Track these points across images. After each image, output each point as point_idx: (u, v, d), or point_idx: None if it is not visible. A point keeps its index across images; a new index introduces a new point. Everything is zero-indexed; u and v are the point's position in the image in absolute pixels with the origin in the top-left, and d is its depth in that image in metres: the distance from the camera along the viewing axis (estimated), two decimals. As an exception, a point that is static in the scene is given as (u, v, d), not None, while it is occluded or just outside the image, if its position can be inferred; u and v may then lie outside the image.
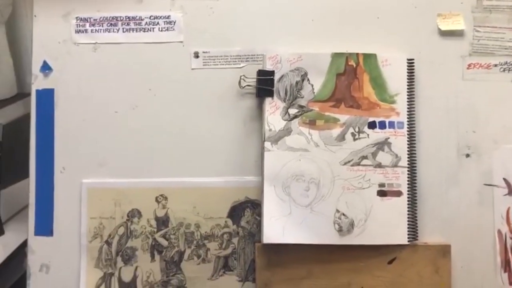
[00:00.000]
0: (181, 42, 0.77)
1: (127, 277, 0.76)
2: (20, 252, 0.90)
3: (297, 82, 0.75)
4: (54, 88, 0.77)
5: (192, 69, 0.77)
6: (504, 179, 0.78)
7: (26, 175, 0.93)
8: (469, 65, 0.78)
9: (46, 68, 0.77)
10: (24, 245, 0.91)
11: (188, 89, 0.77)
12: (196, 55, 0.77)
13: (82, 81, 0.77)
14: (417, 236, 0.75)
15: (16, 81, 1.03)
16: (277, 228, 0.73)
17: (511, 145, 0.77)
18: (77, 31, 0.77)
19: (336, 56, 0.75)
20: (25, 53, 1.04)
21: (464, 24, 0.77)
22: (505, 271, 0.77)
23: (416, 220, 0.75)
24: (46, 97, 0.77)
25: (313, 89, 0.75)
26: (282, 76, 0.75)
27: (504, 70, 0.78)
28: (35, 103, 0.77)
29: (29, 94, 1.04)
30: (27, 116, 0.91)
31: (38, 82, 0.77)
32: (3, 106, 0.97)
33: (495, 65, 0.78)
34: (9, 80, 1.01)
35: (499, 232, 0.77)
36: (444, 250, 0.75)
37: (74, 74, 0.77)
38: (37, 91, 0.77)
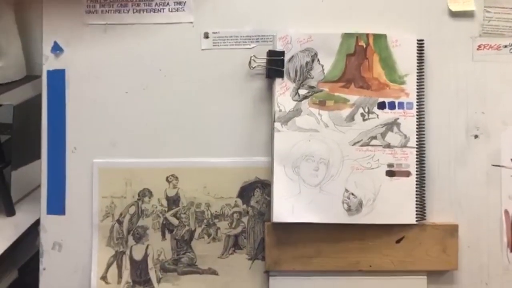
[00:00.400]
0: (191, 22, 0.77)
1: (138, 255, 0.78)
2: (32, 232, 0.92)
3: (307, 63, 0.75)
4: (65, 68, 0.77)
5: (202, 49, 0.77)
6: (512, 160, 0.78)
7: (36, 156, 0.94)
8: (479, 46, 0.78)
9: (57, 49, 0.77)
10: (35, 225, 0.92)
11: (198, 69, 0.77)
12: (206, 36, 0.77)
13: (93, 62, 0.77)
14: (425, 216, 0.76)
15: (25, 63, 1.04)
16: (287, 207, 0.74)
17: (519, 126, 0.78)
18: (88, 12, 0.77)
19: (346, 36, 0.75)
20: (34, 35, 1.04)
21: (475, 5, 0.77)
22: (511, 251, 0.78)
23: (424, 200, 0.76)
24: (57, 78, 0.77)
25: (323, 69, 0.75)
26: (292, 57, 0.75)
27: (513, 51, 0.78)
28: (46, 84, 0.78)
29: (38, 76, 1.05)
30: (36, 98, 0.92)
31: (49, 63, 0.77)
32: (13, 88, 0.98)
33: (505, 46, 0.78)
34: (18, 62, 1.02)
35: (506, 212, 0.78)
36: (451, 230, 0.76)
37: (85, 55, 0.77)
38: (48, 72, 0.77)
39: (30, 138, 0.92)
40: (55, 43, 0.77)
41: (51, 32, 0.77)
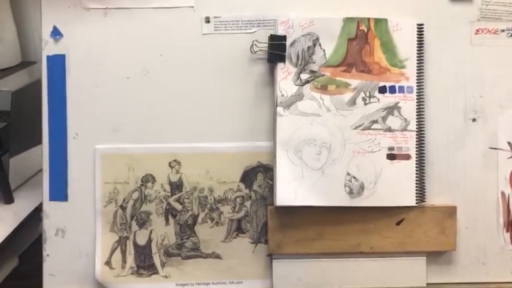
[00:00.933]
0: (192, 7, 0.77)
1: (142, 240, 0.78)
2: (32, 219, 0.92)
3: (308, 47, 0.75)
4: (65, 54, 0.77)
5: (204, 34, 0.77)
6: (509, 142, 0.80)
7: (34, 143, 0.94)
8: (477, 31, 0.79)
9: (56, 33, 0.76)
10: (35, 212, 0.92)
11: (199, 54, 0.77)
12: (207, 20, 0.77)
13: (93, 47, 0.77)
14: (424, 198, 0.77)
15: (20, 49, 1.02)
16: (290, 191, 0.74)
17: (516, 110, 0.79)
18: (87, -4, 0.77)
19: (347, 21, 0.75)
20: (29, 21, 1.03)
21: (473, -11, 0.78)
22: (507, 231, 0.80)
23: (424, 182, 0.77)
24: (58, 63, 0.77)
25: (324, 54, 0.75)
26: (294, 41, 0.75)
27: (511, 36, 0.79)
28: (46, 69, 0.77)
29: (33, 62, 1.04)
30: (33, 84, 0.91)
31: (48, 48, 0.76)
32: (9, 74, 0.96)
33: (503, 30, 0.79)
34: (13, 48, 1.00)
35: (503, 193, 0.80)
36: (450, 212, 0.78)
37: (85, 40, 0.77)
38: (48, 57, 0.77)
39: (27, 124, 0.91)
40: (55, 28, 0.76)
41: (50, 17, 0.76)
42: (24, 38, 1.03)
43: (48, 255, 0.78)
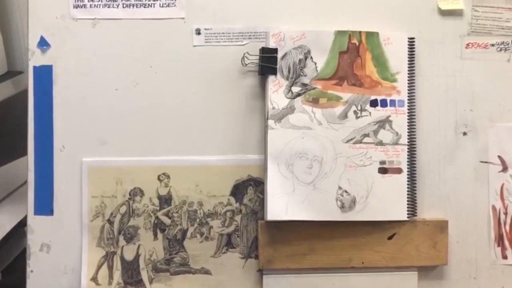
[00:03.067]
0: (183, 18, 0.76)
1: (129, 255, 0.76)
2: (16, 232, 0.90)
3: (300, 60, 0.75)
4: (52, 64, 0.75)
5: (194, 46, 0.76)
6: (499, 156, 0.80)
7: (18, 154, 0.92)
8: (468, 45, 0.79)
9: (43, 44, 0.75)
10: (19, 225, 0.90)
11: (189, 66, 0.76)
12: (198, 32, 0.76)
13: (81, 58, 0.75)
14: (416, 212, 0.77)
15: (6, 58, 1.00)
16: (281, 205, 0.73)
17: (506, 123, 0.79)
18: (76, 6, 0.75)
19: (339, 34, 0.75)
20: (15, 30, 1.01)
21: (463, 4, 0.78)
22: (498, 245, 0.80)
23: (415, 196, 0.77)
24: (44, 74, 0.75)
25: (316, 67, 0.75)
26: (285, 54, 0.75)
27: (500, 50, 0.79)
28: (32, 80, 0.75)
29: (20, 72, 1.02)
30: (19, 94, 0.90)
31: (35, 59, 0.75)
32: (-6, 84, 0.95)
33: (492, 45, 0.79)
34: (-1, 57, 0.99)
35: (493, 207, 0.80)
36: (441, 226, 0.77)
37: (72, 51, 0.75)
38: (35, 67, 0.75)
39: (12, 135, 0.89)
40: (42, 38, 0.75)
41: (38, 27, 0.75)
42: (10, 47, 1.01)
43: (32, 271, 0.76)
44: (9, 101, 0.89)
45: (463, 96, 0.79)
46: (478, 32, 0.79)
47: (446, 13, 0.78)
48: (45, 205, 0.76)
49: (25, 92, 0.76)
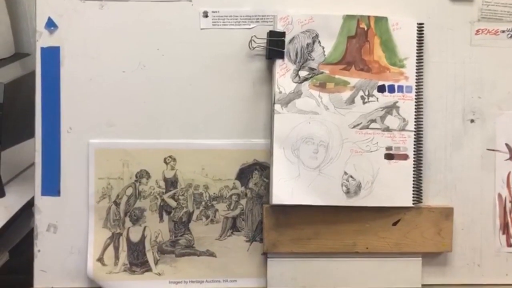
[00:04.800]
0: (190, 1, 0.75)
1: (135, 237, 0.77)
2: (23, 213, 0.90)
3: (308, 44, 0.74)
4: (60, 46, 0.75)
5: (201, 29, 0.76)
6: (506, 144, 0.79)
7: (25, 137, 0.92)
8: (477, 31, 0.78)
9: (51, 25, 0.75)
10: (26, 206, 0.91)
11: (196, 49, 0.76)
12: (205, 15, 0.76)
13: (89, 39, 0.75)
14: (421, 199, 0.77)
15: (14, 40, 1.01)
16: (286, 189, 0.74)
17: (514, 111, 0.79)
18: (83, -13, 0.75)
19: (347, 18, 0.74)
20: (23, 12, 1.01)
21: (474, -11, 0.77)
22: (503, 233, 0.80)
23: (421, 183, 0.77)
24: (52, 55, 0.75)
25: (324, 51, 0.74)
26: (293, 38, 0.74)
27: (511, 37, 0.78)
28: (40, 61, 0.75)
29: (27, 54, 1.02)
30: (26, 76, 0.90)
31: (43, 40, 0.75)
32: (2, 65, 0.95)
33: (503, 31, 0.78)
34: (6, 39, 0.99)
35: (499, 195, 0.79)
36: (446, 213, 0.77)
37: (80, 32, 0.75)
38: (42, 48, 0.75)
39: (20, 117, 0.90)
40: (49, 19, 0.75)
41: (45, 8, 0.74)
42: (17, 29, 1.02)
43: (39, 251, 0.76)
44: (16, 83, 0.89)
45: (471, 83, 0.78)
46: (488, 18, 0.78)
47: (456, -1, 0.77)
48: (52, 186, 0.76)
49: (32, 74, 0.77)
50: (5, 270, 0.88)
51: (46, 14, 0.75)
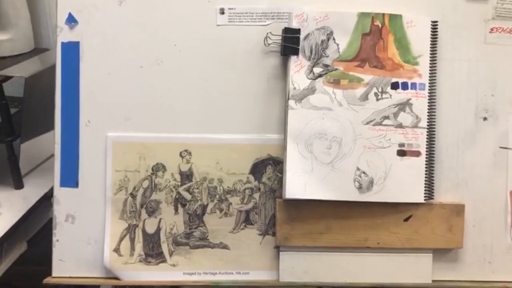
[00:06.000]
0: (207, -2, 0.77)
1: (151, 228, 0.78)
2: (41, 205, 0.92)
3: (322, 41, 0.75)
4: (80, 41, 0.77)
5: (218, 25, 0.77)
6: (519, 142, 0.80)
7: (45, 129, 0.95)
8: (492, 29, 0.78)
9: (71, 20, 0.77)
10: (44, 198, 0.93)
11: (213, 45, 0.77)
12: (222, 12, 0.77)
13: (108, 35, 0.77)
14: (433, 195, 0.77)
15: (34, 36, 1.03)
16: (299, 184, 0.75)
17: (528, 110, 0.79)
18: (103, -16, 0.77)
19: (362, 15, 0.75)
20: (42, 8, 1.03)
21: (489, -13, 0.77)
22: (514, 231, 0.80)
23: (433, 179, 0.77)
24: (72, 50, 0.77)
25: (338, 48, 0.75)
26: (308, 35, 0.75)
27: (525, 35, 0.79)
28: (60, 56, 0.77)
29: (46, 49, 1.04)
30: (46, 71, 0.92)
31: (63, 35, 0.77)
32: (22, 60, 0.97)
33: (517, 30, 0.79)
34: (27, 34, 1.01)
35: (511, 193, 0.80)
36: (458, 209, 0.78)
37: (99, 27, 0.77)
38: (63, 43, 0.77)
39: (39, 111, 0.92)
40: (70, 15, 0.77)
41: (66, 3, 0.76)
42: (37, 25, 1.04)
43: (57, 241, 0.78)
44: (36, 77, 0.91)
45: (485, 81, 0.78)
46: (503, 16, 0.78)
47: (471, -3, 0.78)
48: (70, 178, 0.78)
49: (51, 69, 0.79)
50: (23, 260, 0.91)
51: (66, 10, 0.77)
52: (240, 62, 0.77)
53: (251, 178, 0.78)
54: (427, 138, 0.77)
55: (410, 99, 0.76)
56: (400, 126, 0.76)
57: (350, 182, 0.75)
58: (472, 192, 0.79)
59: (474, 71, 0.78)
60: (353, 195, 0.75)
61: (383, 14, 0.75)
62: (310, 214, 0.77)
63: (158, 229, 0.78)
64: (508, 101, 0.79)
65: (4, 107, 0.90)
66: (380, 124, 0.76)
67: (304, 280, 0.78)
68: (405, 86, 0.76)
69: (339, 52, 0.75)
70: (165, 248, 0.78)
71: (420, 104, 0.76)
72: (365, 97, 0.76)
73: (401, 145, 0.76)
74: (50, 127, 0.79)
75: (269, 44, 0.76)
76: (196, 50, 0.77)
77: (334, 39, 0.75)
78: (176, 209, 0.78)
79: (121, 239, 0.78)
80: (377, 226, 0.77)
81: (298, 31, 0.75)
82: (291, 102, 0.75)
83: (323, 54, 0.75)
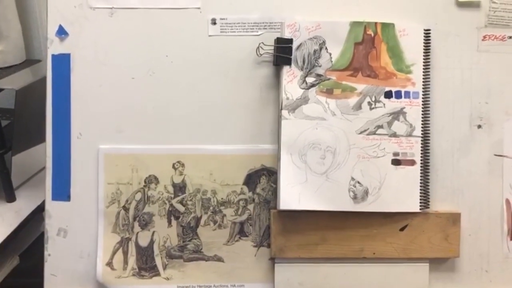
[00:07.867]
0: (199, 8, 0.76)
1: (144, 241, 0.78)
2: (33, 218, 0.92)
3: (315, 51, 0.75)
4: (70, 53, 0.76)
5: (209, 36, 0.77)
6: (514, 150, 0.79)
7: (36, 141, 0.94)
8: (484, 37, 0.78)
9: (62, 32, 0.76)
10: (36, 211, 0.92)
11: (205, 56, 0.77)
12: (214, 22, 0.77)
13: (99, 46, 0.76)
14: (428, 204, 0.77)
15: (25, 47, 1.02)
16: (293, 195, 0.74)
17: (522, 117, 0.79)
18: (93, -5, 0.76)
19: (354, 25, 0.75)
20: (34, 19, 1.02)
21: (481, -5, 0.77)
22: (511, 239, 0.79)
23: (428, 188, 0.77)
24: (62, 62, 0.76)
25: (331, 57, 0.75)
26: (300, 44, 0.75)
27: (518, 42, 0.79)
28: (51, 68, 0.76)
29: (38, 61, 1.04)
30: (37, 83, 0.91)
31: (54, 47, 0.76)
32: (13, 72, 0.96)
33: (510, 37, 0.78)
34: (18, 46, 1.00)
35: (507, 201, 0.79)
36: (454, 218, 0.77)
37: (90, 39, 0.76)
38: (53, 55, 0.76)
39: (31, 123, 0.91)
40: (60, 27, 0.76)
41: (56, 16, 0.76)
42: (29, 36, 1.03)
43: (49, 255, 0.77)
44: (28, 89, 0.91)
45: (478, 88, 0.78)
46: (495, 24, 0.78)
47: (463, 5, 0.77)
48: (62, 191, 0.77)
49: (42, 81, 0.78)
50: (15, 274, 0.90)
51: (57, 22, 0.76)
52: (232, 72, 0.77)
53: (245, 189, 0.78)
54: (421, 147, 0.76)
55: (404, 107, 0.76)
56: (394, 135, 0.75)
57: (344, 192, 0.75)
58: (468, 201, 0.79)
59: (467, 79, 0.78)
60: (348, 205, 0.75)
61: (376, 23, 0.75)
62: (305, 225, 0.76)
63: (151, 242, 0.78)
64: (502, 108, 0.79)
65: (-5, 120, 0.89)
66: (374, 133, 0.75)
67: (299, 292, 0.77)
68: (398, 95, 0.76)
69: (331, 61, 0.75)
70: (158, 261, 0.77)
71: (414, 113, 0.76)
72: (358, 107, 0.75)
73: (396, 154, 0.76)
74: (42, 138, 0.78)
75: (261, 54, 0.76)
76: (188, 61, 0.77)
77: (326, 48, 0.75)
78: (169, 222, 0.78)
79: (114, 253, 0.77)
80: (373, 236, 0.77)
81: (290, 41, 0.75)
82: (284, 112, 0.75)
83: (316, 64, 0.75)
